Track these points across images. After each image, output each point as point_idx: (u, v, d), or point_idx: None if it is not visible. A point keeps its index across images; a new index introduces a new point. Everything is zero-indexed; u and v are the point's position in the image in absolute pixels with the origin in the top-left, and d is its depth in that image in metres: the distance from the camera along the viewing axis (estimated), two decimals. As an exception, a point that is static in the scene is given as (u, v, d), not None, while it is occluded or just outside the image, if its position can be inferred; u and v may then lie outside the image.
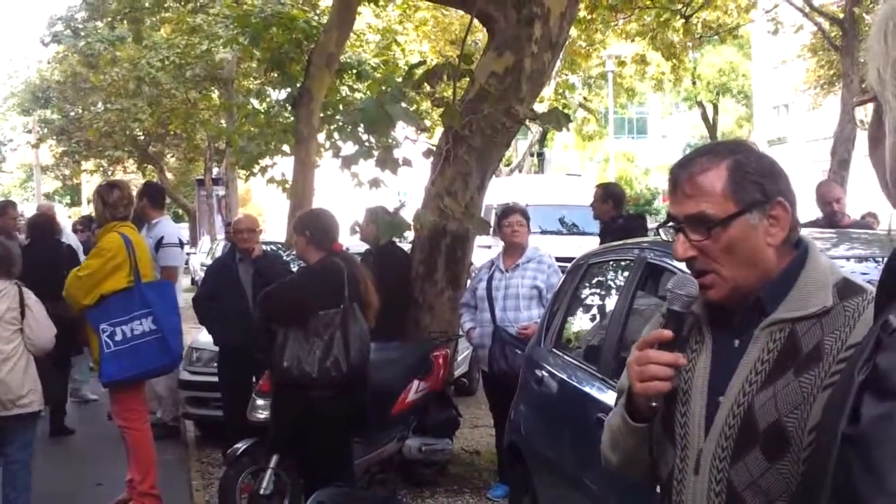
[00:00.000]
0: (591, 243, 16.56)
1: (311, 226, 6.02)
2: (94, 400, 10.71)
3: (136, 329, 6.50)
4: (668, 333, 2.04)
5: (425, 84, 7.65)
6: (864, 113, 18.85)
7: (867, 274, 4.10)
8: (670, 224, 2.12)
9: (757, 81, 47.58)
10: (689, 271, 2.12)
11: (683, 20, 19.87)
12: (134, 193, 8.07)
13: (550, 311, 5.88)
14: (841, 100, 17.95)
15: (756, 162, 2.05)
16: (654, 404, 2.05)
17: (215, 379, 8.30)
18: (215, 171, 32.83)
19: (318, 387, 5.73)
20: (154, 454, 6.91)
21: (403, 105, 6.97)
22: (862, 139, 18.31)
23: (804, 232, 2.19)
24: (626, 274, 4.97)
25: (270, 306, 5.98)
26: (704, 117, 47.07)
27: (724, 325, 2.08)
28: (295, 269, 9.00)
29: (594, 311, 5.66)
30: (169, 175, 38.77)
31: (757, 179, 2.02)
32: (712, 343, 2.08)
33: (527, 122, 8.14)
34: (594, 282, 5.70)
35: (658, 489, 2.19)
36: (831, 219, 7.57)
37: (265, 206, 46.88)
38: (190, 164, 39.43)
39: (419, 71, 7.99)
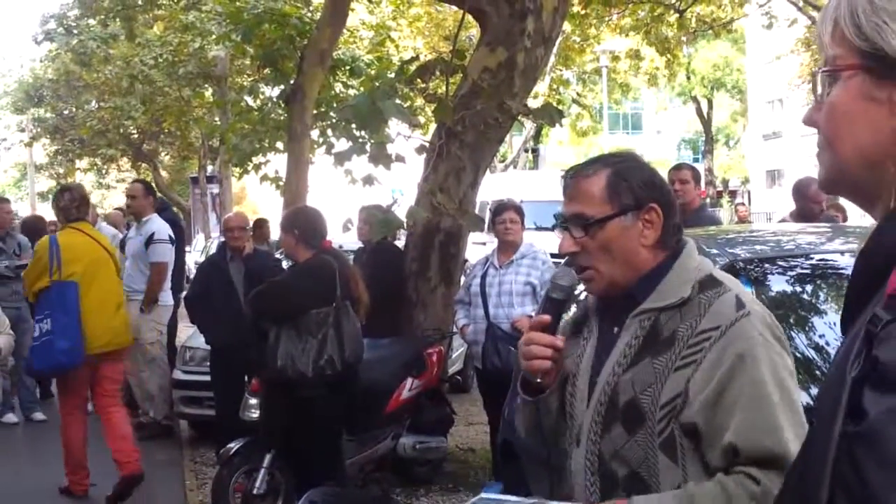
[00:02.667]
0: (587, 239, 16.64)
1: (300, 224, 5.99)
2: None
3: (43, 327, 6.91)
4: (546, 318, 2.32)
5: (418, 80, 7.60)
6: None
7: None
8: (560, 223, 2.38)
9: (751, 76, 47.65)
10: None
11: (677, 15, 19.82)
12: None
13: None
14: (835, 94, 17.89)
15: (634, 171, 2.33)
16: (538, 381, 2.32)
17: (208, 378, 8.28)
18: (209, 168, 32.73)
19: (312, 385, 5.69)
20: (77, 447, 7.24)
21: (396, 101, 6.92)
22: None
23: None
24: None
25: (262, 305, 5.95)
26: (699, 112, 47.16)
27: (608, 315, 2.34)
28: (285, 266, 8.99)
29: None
30: (163, 173, 38.67)
31: (632, 187, 2.28)
32: (598, 331, 2.35)
33: (520, 117, 8.09)
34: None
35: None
36: (807, 215, 7.56)
37: (260, 204, 46.82)
38: (184, 162, 39.33)
39: (412, 67, 7.93)
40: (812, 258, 4.30)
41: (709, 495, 2.05)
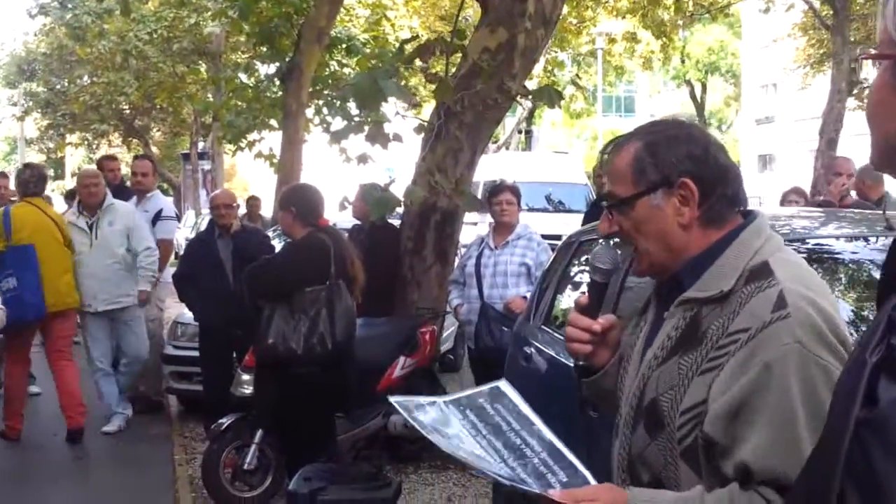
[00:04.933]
0: (578, 221, 16.60)
1: (297, 201, 5.96)
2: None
3: (6, 285, 7.56)
4: (583, 300, 2.22)
5: (417, 59, 7.57)
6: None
7: (857, 253, 4.10)
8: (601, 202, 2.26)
9: (746, 60, 47.60)
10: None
11: (674, -2, 19.81)
12: (120, 167, 9.44)
13: (540, 288, 5.83)
14: (831, 79, 17.92)
15: (670, 144, 2.07)
16: (580, 363, 2.22)
17: (198, 354, 8.26)
18: (201, 145, 32.63)
19: (302, 363, 5.68)
20: (17, 396, 8.06)
21: (395, 80, 6.90)
22: (850, 119, 18.32)
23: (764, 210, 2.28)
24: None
25: (256, 283, 5.93)
26: (693, 96, 47.13)
27: (661, 299, 2.15)
28: (275, 244, 8.97)
29: (584, 288, 5.60)
30: (154, 149, 38.51)
31: (657, 162, 2.05)
32: (653, 315, 2.16)
33: (518, 98, 8.07)
34: (585, 259, 5.65)
35: None
36: (836, 197, 7.58)
37: (250, 180, 46.72)
38: (175, 139, 39.21)
39: (410, 46, 7.90)
40: (808, 243, 4.28)
41: None
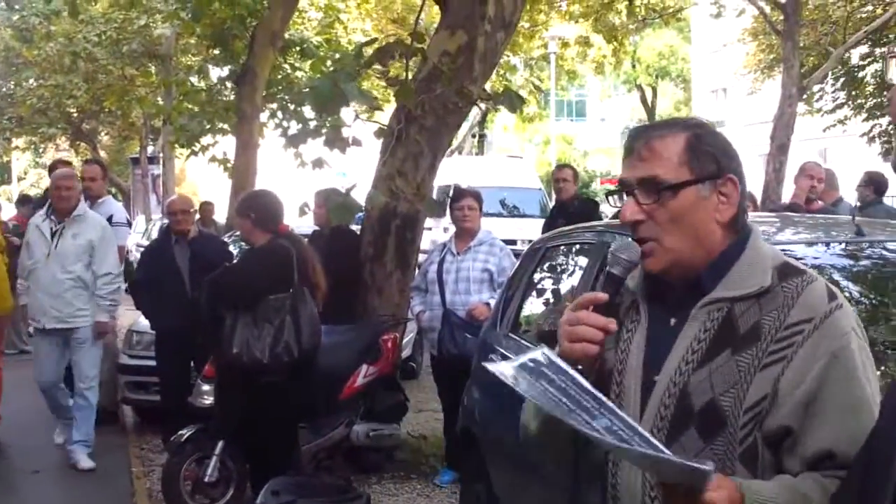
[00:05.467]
0: (533, 226, 16.65)
1: (256, 207, 5.87)
2: None
3: None
4: (603, 296, 2.04)
5: (376, 63, 7.48)
6: None
7: (818, 258, 4.08)
8: (617, 189, 2.13)
9: (696, 65, 48.00)
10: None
11: (627, 2, 19.89)
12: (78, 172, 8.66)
13: (506, 295, 5.78)
14: (781, 84, 18.06)
15: (712, 137, 2.08)
16: (579, 367, 2.00)
17: (154, 363, 8.11)
18: (150, 149, 32.25)
19: (268, 372, 5.59)
20: None
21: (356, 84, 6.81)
22: (800, 124, 18.50)
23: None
24: (585, 258, 4.88)
25: (218, 291, 5.81)
26: (643, 100, 47.48)
27: (660, 302, 2.09)
28: (233, 250, 8.84)
29: (551, 294, 5.57)
30: (102, 153, 37.98)
31: (713, 152, 2.04)
32: (648, 321, 2.08)
33: (479, 102, 8.02)
34: (552, 265, 5.60)
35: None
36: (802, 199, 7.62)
37: (200, 185, 46.25)
38: (124, 143, 38.71)
39: (369, 49, 7.81)
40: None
41: (816, 495, 1.84)
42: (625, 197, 2.10)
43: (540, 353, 1.95)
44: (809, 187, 7.66)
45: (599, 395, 1.89)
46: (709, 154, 2.03)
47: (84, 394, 7.65)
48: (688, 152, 2.03)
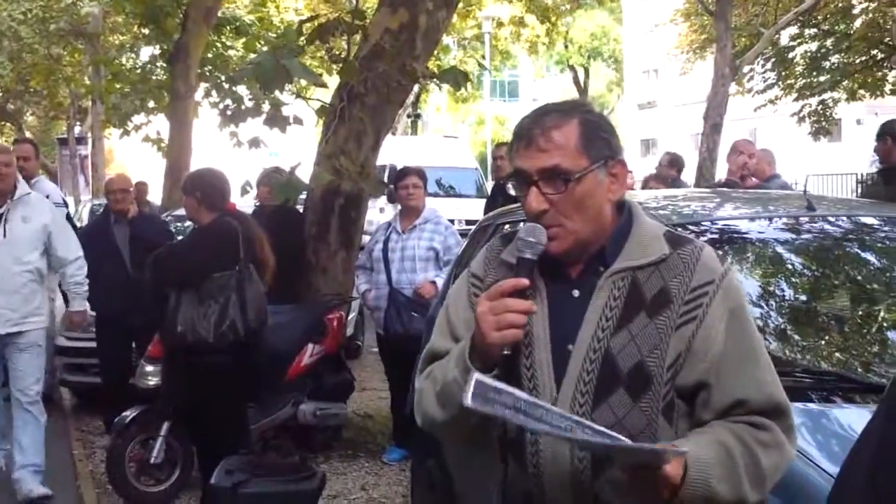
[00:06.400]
0: (469, 205, 16.62)
1: (202, 186, 5.79)
2: None
3: None
4: (524, 281, 2.09)
5: (317, 40, 7.42)
6: None
7: (763, 232, 4.15)
8: (514, 175, 2.21)
9: (628, 46, 48.41)
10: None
11: (561, -18, 19.95)
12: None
13: (454, 273, 5.78)
14: (714, 64, 18.26)
15: (601, 120, 2.21)
16: (506, 352, 2.07)
17: (93, 345, 8.00)
18: (78, 129, 31.64)
19: (213, 351, 5.53)
20: None
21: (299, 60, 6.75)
22: (732, 104, 18.74)
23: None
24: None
25: (163, 270, 5.73)
26: (576, 81, 47.66)
27: (557, 276, 2.19)
28: (172, 229, 8.72)
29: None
30: (28, 133, 37.21)
31: (605, 137, 2.17)
32: (546, 293, 2.18)
33: (422, 80, 7.99)
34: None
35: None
36: (737, 176, 7.74)
37: (129, 165, 45.48)
38: (50, 123, 37.96)
39: (310, 27, 7.73)
40: (717, 223, 4.30)
41: (730, 439, 2.03)
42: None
43: (475, 381, 1.93)
44: (743, 164, 7.78)
45: (543, 402, 1.95)
46: (601, 139, 2.15)
47: (29, 408, 6.45)
48: (583, 139, 2.13)
